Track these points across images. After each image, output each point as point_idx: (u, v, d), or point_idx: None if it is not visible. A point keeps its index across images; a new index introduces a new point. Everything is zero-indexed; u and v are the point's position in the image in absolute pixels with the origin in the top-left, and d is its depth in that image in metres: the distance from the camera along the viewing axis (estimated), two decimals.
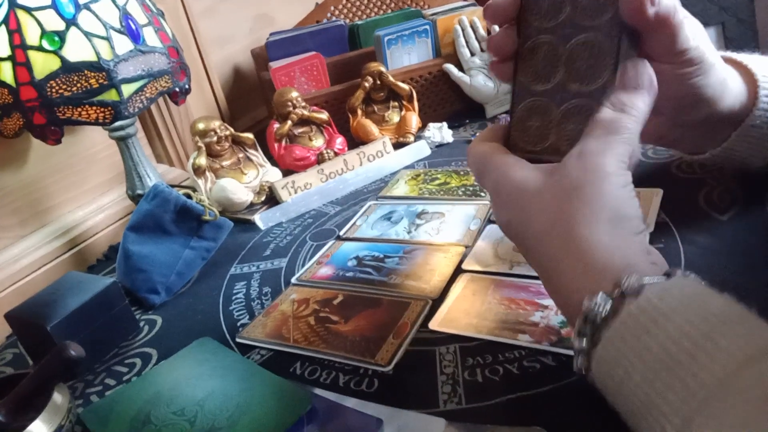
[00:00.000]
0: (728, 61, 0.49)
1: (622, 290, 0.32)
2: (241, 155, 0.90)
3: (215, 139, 0.86)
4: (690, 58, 0.41)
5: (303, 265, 0.66)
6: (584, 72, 0.39)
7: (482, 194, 0.72)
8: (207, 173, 0.86)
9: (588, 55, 0.39)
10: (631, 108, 0.38)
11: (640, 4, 0.37)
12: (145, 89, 0.69)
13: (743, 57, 0.50)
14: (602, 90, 0.38)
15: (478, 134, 0.44)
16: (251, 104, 1.22)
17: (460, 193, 0.74)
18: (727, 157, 0.53)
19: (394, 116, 1.00)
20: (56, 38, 0.63)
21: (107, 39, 0.65)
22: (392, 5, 1.26)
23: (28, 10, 0.62)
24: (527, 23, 0.41)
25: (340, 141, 0.95)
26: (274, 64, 1.02)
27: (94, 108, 0.66)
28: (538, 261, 0.38)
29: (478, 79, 1.00)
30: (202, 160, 0.85)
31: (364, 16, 1.25)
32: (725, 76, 0.46)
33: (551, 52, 0.41)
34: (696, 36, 0.42)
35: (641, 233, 0.36)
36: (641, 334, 0.30)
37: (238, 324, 0.58)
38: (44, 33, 0.62)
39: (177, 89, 0.75)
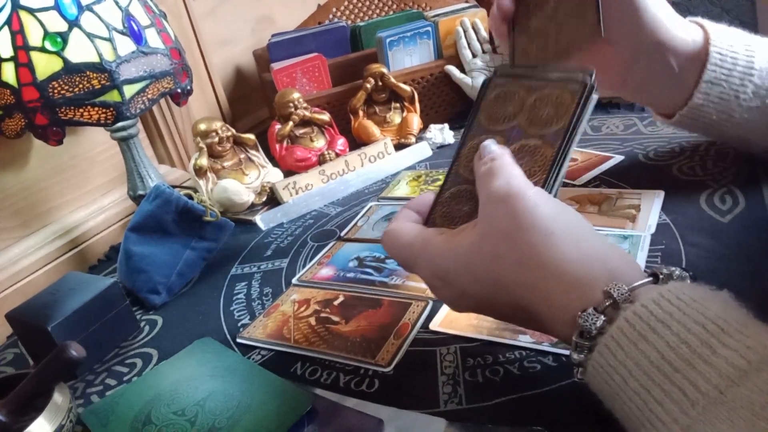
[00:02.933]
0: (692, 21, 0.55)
1: (614, 298, 0.32)
2: (242, 156, 0.90)
3: (217, 139, 0.86)
4: None
5: (304, 266, 0.66)
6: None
7: None
8: (208, 174, 0.86)
9: (528, 158, 0.42)
10: (495, 155, 0.40)
11: None
12: (147, 90, 0.69)
13: (701, 20, 0.55)
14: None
15: (391, 222, 0.45)
16: (253, 105, 1.22)
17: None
18: (698, 118, 0.55)
19: (395, 117, 1.00)
20: (59, 39, 0.63)
21: (109, 40, 0.65)
22: (394, 7, 1.26)
23: (31, 11, 0.62)
24: (477, 126, 0.46)
25: (341, 142, 0.96)
26: (276, 66, 1.02)
27: (96, 109, 0.66)
28: (514, 303, 0.37)
29: (480, 80, 1.00)
30: (204, 161, 0.85)
31: (366, 18, 1.25)
32: (671, 17, 0.52)
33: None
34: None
35: (595, 233, 0.36)
36: (638, 341, 0.30)
37: (239, 324, 0.58)
38: (47, 34, 0.63)
39: (179, 90, 0.75)
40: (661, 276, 0.34)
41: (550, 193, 0.39)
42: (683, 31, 0.53)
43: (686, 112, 0.56)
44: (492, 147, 0.41)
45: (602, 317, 0.32)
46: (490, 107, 0.46)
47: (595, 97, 0.40)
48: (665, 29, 0.52)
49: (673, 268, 0.34)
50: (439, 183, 0.79)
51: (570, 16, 0.52)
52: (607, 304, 0.32)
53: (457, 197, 0.44)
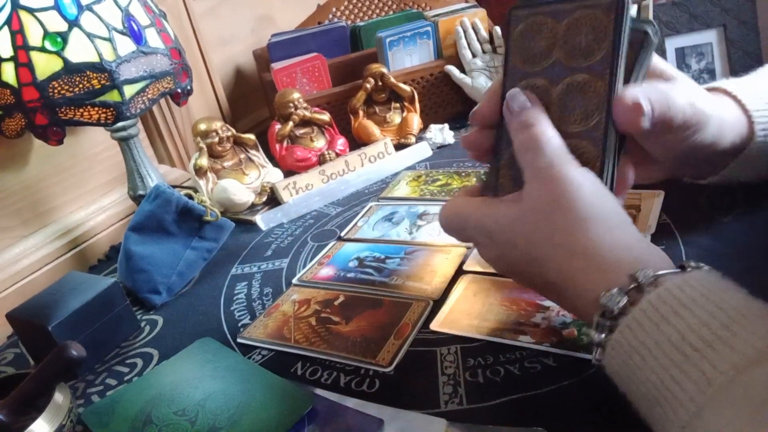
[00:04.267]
0: (718, 91, 0.49)
1: (638, 282, 0.33)
2: (242, 156, 0.90)
3: (217, 139, 0.86)
4: (689, 123, 0.41)
5: (304, 266, 0.66)
6: (576, 112, 0.40)
7: None
8: (208, 174, 0.86)
9: (579, 95, 0.39)
10: (528, 115, 0.40)
11: (635, 120, 0.37)
12: (147, 90, 0.69)
13: (732, 86, 0.49)
14: (594, 127, 0.39)
15: (443, 205, 0.45)
16: (253, 105, 1.22)
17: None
18: (725, 180, 0.53)
19: (395, 117, 1.00)
20: (59, 39, 0.63)
21: (109, 40, 0.65)
22: (394, 7, 1.26)
23: (31, 11, 0.62)
24: (514, 71, 0.42)
25: (341, 142, 0.96)
26: (276, 65, 1.02)
27: (96, 109, 0.66)
28: (544, 277, 0.38)
29: (480, 80, 1.00)
30: (204, 161, 0.85)
31: (366, 18, 1.25)
32: (722, 116, 0.45)
33: (541, 95, 0.41)
34: (691, 96, 0.41)
35: (631, 224, 0.37)
36: (660, 323, 0.31)
37: (239, 324, 0.58)
38: (47, 34, 0.63)
39: (179, 90, 0.75)
40: (688, 268, 0.34)
41: (612, 137, 0.38)
42: (728, 131, 0.46)
43: (716, 179, 0.53)
44: (520, 98, 0.40)
45: (626, 297, 0.33)
46: (520, 45, 0.42)
47: (633, 7, 0.37)
48: (719, 141, 0.46)
49: (702, 264, 0.34)
50: (441, 183, 0.79)
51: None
52: (631, 286, 0.33)
53: (510, 165, 0.42)
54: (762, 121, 0.48)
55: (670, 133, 0.41)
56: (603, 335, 0.34)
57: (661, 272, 0.33)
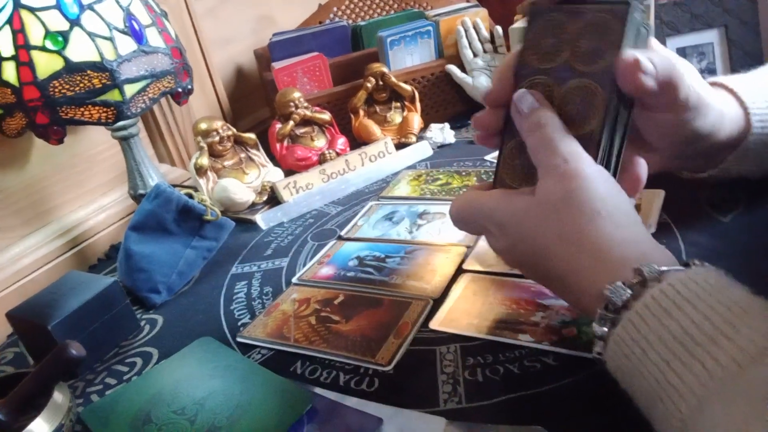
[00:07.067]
0: (718, 85, 0.50)
1: (643, 276, 0.33)
2: (243, 155, 0.90)
3: (217, 139, 0.86)
4: (690, 106, 0.42)
5: (304, 265, 0.66)
6: (574, 116, 0.40)
7: None
8: (209, 173, 0.86)
9: (580, 100, 0.40)
10: (539, 116, 0.40)
11: (634, 78, 0.38)
12: (148, 89, 0.69)
13: (731, 81, 0.50)
14: (589, 134, 0.40)
15: (455, 199, 0.46)
16: (253, 104, 1.22)
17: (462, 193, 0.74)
18: (725, 174, 0.53)
19: (396, 117, 1.00)
20: (60, 38, 0.63)
21: (110, 39, 0.65)
22: (395, 6, 1.26)
23: (32, 10, 0.62)
24: (524, 65, 0.43)
25: (342, 141, 0.96)
26: (277, 65, 1.02)
27: (97, 108, 0.66)
28: (550, 270, 0.39)
29: (481, 80, 1.00)
30: (204, 160, 0.85)
31: (367, 17, 1.25)
32: (721, 108, 0.46)
33: (546, 94, 0.42)
34: (693, 81, 0.42)
35: (641, 224, 0.38)
36: (663, 317, 0.31)
37: (239, 323, 0.58)
38: (48, 33, 0.63)
39: (180, 89, 0.75)
40: (692, 266, 0.34)
41: (610, 143, 0.39)
42: (727, 123, 0.48)
43: (715, 173, 0.54)
44: (528, 100, 0.41)
45: (629, 291, 0.33)
46: (537, 41, 0.42)
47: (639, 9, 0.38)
48: (716, 132, 0.47)
49: (706, 263, 0.34)
50: (441, 182, 0.79)
51: None
52: (635, 281, 0.33)
53: (517, 152, 0.43)
54: (759, 113, 0.49)
55: (673, 110, 0.42)
56: (605, 329, 0.34)
57: (665, 268, 0.33)
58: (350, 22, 1.22)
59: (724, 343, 0.28)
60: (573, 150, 0.39)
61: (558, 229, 0.37)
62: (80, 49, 0.63)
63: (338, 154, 0.92)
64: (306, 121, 0.95)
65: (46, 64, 0.63)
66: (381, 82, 0.98)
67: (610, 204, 0.37)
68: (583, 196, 0.37)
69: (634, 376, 0.32)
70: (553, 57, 0.42)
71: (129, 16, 0.67)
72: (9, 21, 0.63)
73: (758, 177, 0.54)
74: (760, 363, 0.27)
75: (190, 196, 0.70)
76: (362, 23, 1.12)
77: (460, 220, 0.45)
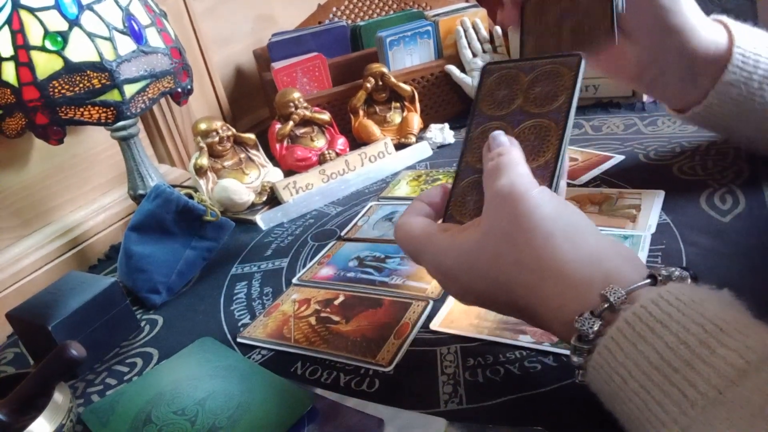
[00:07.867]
0: (715, 21, 0.54)
1: (610, 302, 0.32)
2: (242, 155, 0.90)
3: (217, 139, 0.86)
4: None
5: (304, 266, 0.66)
6: (530, 152, 0.42)
7: None
8: (208, 173, 0.86)
9: (534, 137, 0.42)
10: (503, 149, 0.41)
11: None
12: (148, 90, 0.69)
13: (726, 19, 0.54)
14: (545, 165, 0.41)
15: (403, 214, 0.45)
16: (253, 105, 1.22)
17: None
18: (711, 117, 0.55)
19: (395, 117, 1.00)
20: (59, 38, 0.63)
21: (110, 39, 0.65)
22: (394, 6, 1.26)
23: (32, 10, 0.62)
24: (479, 114, 0.46)
25: (341, 142, 0.95)
26: (276, 65, 1.02)
27: (97, 108, 0.66)
28: (516, 301, 0.37)
29: None
30: (204, 161, 0.85)
31: (366, 17, 1.25)
32: (697, 16, 0.50)
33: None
34: None
35: (596, 230, 0.37)
36: (638, 342, 0.30)
37: (239, 324, 0.58)
38: (47, 33, 0.63)
39: (179, 90, 0.75)
40: (659, 277, 0.34)
41: (558, 172, 0.40)
42: (707, 31, 0.52)
43: (700, 110, 0.55)
44: (501, 138, 0.41)
45: (599, 321, 0.32)
46: (490, 93, 0.46)
47: (583, 64, 0.42)
48: (689, 31, 0.51)
49: (673, 269, 0.34)
50: (441, 182, 0.79)
51: (585, 15, 0.51)
52: (603, 307, 0.32)
53: (470, 189, 0.44)
54: (742, 49, 0.52)
55: None
56: (581, 358, 0.33)
57: (632, 287, 0.33)
58: (349, 22, 1.22)
59: (702, 368, 0.28)
60: (521, 175, 0.38)
61: (514, 257, 0.36)
62: (80, 50, 0.63)
63: (338, 155, 0.92)
64: (306, 122, 0.95)
65: (45, 65, 0.63)
66: (380, 83, 0.98)
67: (561, 223, 0.36)
68: (533, 219, 0.35)
69: (615, 401, 0.32)
70: (507, 105, 0.45)
71: (128, 17, 0.67)
72: (8, 21, 0.63)
73: (749, 134, 0.56)
74: (739, 385, 0.27)
75: (190, 197, 0.70)
76: (361, 23, 1.12)
77: (405, 251, 0.44)
